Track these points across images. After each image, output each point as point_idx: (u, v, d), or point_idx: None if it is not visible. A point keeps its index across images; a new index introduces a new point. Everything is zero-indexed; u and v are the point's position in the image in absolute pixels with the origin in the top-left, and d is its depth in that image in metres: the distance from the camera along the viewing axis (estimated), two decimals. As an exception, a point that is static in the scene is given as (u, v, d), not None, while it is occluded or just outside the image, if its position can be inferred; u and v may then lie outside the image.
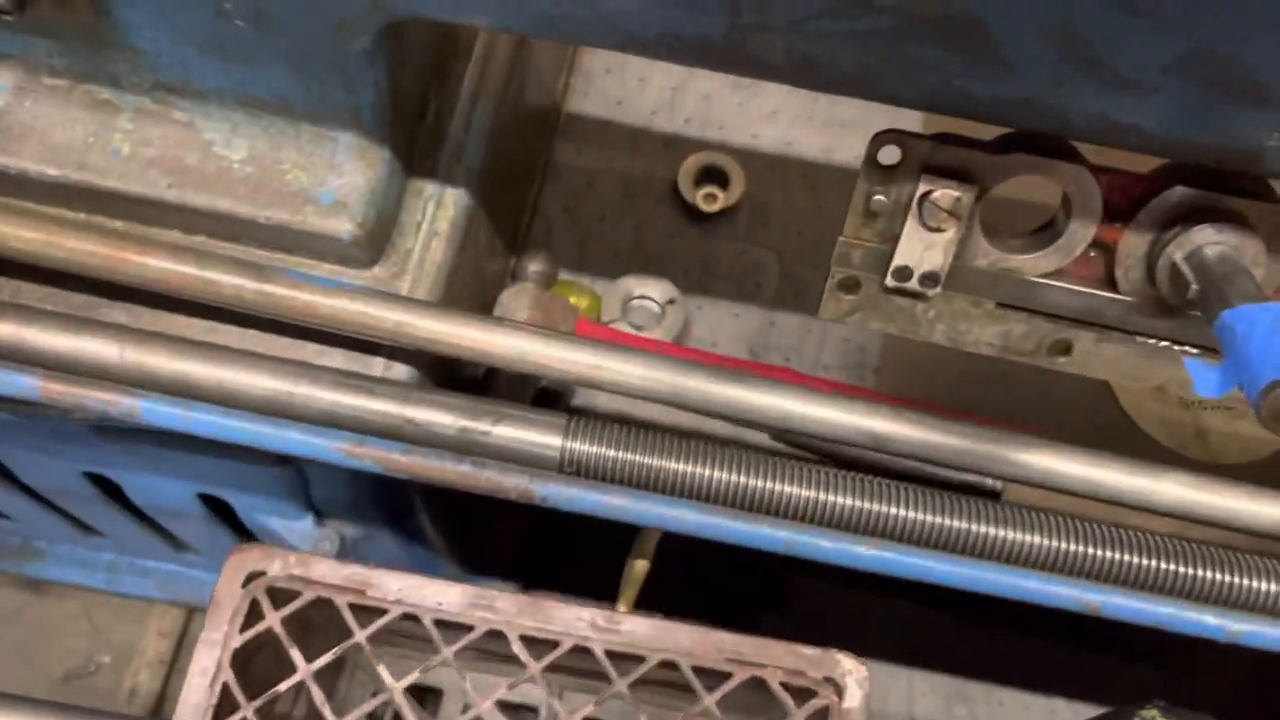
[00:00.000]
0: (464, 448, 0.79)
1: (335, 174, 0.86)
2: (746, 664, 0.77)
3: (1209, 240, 0.71)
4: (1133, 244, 0.75)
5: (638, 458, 0.79)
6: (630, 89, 1.24)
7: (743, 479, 0.80)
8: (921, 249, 0.75)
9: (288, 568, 0.84)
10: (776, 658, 0.78)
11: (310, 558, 0.85)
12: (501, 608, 0.83)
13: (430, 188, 0.93)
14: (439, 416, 0.79)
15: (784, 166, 1.21)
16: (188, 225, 0.88)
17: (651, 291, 1.13)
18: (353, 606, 0.82)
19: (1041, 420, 1.06)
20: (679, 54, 0.70)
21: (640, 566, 0.99)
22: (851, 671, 0.76)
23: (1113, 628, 0.81)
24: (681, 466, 0.79)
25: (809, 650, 0.78)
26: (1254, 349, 0.62)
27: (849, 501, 0.79)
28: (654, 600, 1.22)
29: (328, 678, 0.83)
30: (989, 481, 0.90)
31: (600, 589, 1.22)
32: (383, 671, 0.79)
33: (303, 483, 1.10)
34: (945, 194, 0.72)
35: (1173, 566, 0.79)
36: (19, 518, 1.38)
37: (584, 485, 0.78)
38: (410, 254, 0.91)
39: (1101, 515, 0.81)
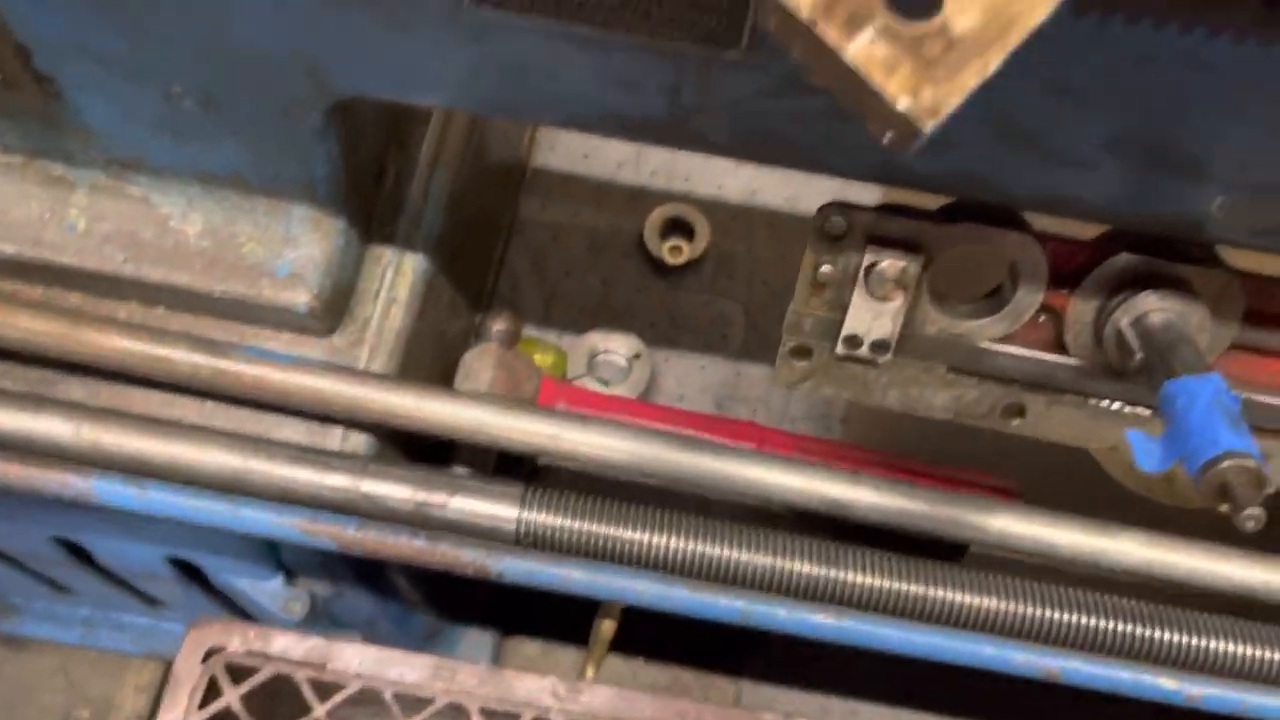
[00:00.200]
0: (420, 521, 0.79)
1: (291, 246, 0.86)
2: (707, 734, 0.77)
3: (1153, 307, 0.72)
4: (1080, 309, 0.75)
5: (594, 527, 0.79)
6: (595, 142, 1.25)
7: (701, 547, 0.80)
8: (870, 318, 0.76)
9: (247, 642, 0.84)
10: (737, 727, 0.78)
11: (271, 631, 0.85)
12: (462, 680, 0.82)
13: (389, 254, 0.94)
14: (394, 490, 0.79)
15: (749, 217, 1.22)
16: (145, 298, 0.88)
17: (617, 346, 1.13)
18: (312, 682, 0.82)
19: (1010, 463, 1.06)
20: (624, 132, 0.71)
21: (608, 627, 0.99)
22: (811, 741, 0.76)
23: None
24: (638, 535, 0.80)
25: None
26: (1193, 422, 0.62)
27: (807, 568, 0.79)
28: (636, 639, 1.21)
29: (288, 753, 0.83)
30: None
31: (577, 632, 1.22)
32: (341, 748, 0.78)
33: (271, 545, 1.10)
34: (892, 264, 0.73)
35: (1130, 628, 0.79)
36: (-9, 577, 1.38)
37: (541, 559, 0.78)
38: (369, 322, 0.91)
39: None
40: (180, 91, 0.75)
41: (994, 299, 0.77)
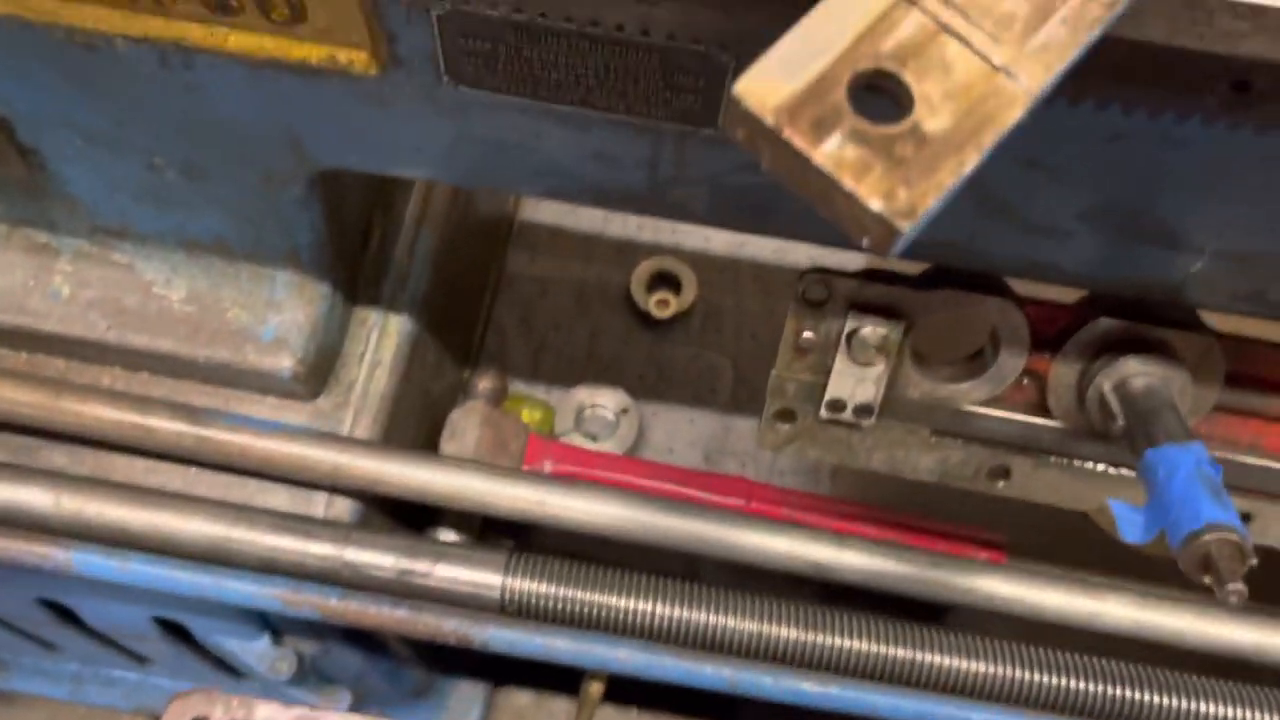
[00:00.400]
0: (404, 590, 0.79)
1: (275, 311, 0.86)
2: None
3: (1135, 371, 0.72)
4: (1062, 373, 0.75)
5: (580, 594, 0.79)
6: (582, 195, 1.25)
7: (688, 613, 0.79)
8: (853, 383, 0.76)
9: (230, 712, 0.83)
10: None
11: (254, 700, 0.84)
12: (447, 748, 0.82)
13: (374, 316, 0.94)
14: (378, 558, 0.79)
15: (736, 269, 1.22)
16: (129, 364, 0.88)
17: (605, 401, 1.13)
18: (295, 753, 0.81)
19: (1000, 511, 1.05)
20: (604, 203, 0.71)
21: (596, 689, 0.98)
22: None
23: None
24: (625, 602, 0.79)
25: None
26: (1174, 494, 0.62)
27: (794, 634, 0.78)
28: (629, 690, 1.20)
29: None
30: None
31: (569, 682, 1.21)
32: (324, 822, 0.77)
33: (258, 605, 1.09)
34: (873, 331, 0.73)
35: (1121, 692, 0.78)
36: (-23, 635, 1.37)
37: (525, 628, 0.77)
38: (354, 385, 0.91)
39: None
40: (162, 163, 0.75)
41: (977, 362, 0.77)
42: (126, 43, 0.64)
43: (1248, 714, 0.77)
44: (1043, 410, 0.78)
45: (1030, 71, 0.37)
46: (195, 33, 0.63)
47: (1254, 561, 0.59)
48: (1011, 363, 0.75)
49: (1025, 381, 0.77)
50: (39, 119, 0.74)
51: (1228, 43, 0.43)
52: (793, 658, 0.79)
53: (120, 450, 0.86)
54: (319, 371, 0.89)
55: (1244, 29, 0.43)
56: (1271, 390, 0.76)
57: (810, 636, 0.78)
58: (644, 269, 1.20)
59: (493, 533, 0.99)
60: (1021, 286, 0.75)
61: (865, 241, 0.37)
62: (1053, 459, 0.80)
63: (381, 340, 0.93)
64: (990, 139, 0.38)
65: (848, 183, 0.36)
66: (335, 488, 0.85)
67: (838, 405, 0.77)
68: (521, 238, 1.24)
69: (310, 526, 0.80)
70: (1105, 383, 0.73)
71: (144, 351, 0.86)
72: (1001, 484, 0.81)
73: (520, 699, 1.43)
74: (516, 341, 1.20)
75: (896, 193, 0.36)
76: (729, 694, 0.77)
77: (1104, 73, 0.52)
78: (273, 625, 1.16)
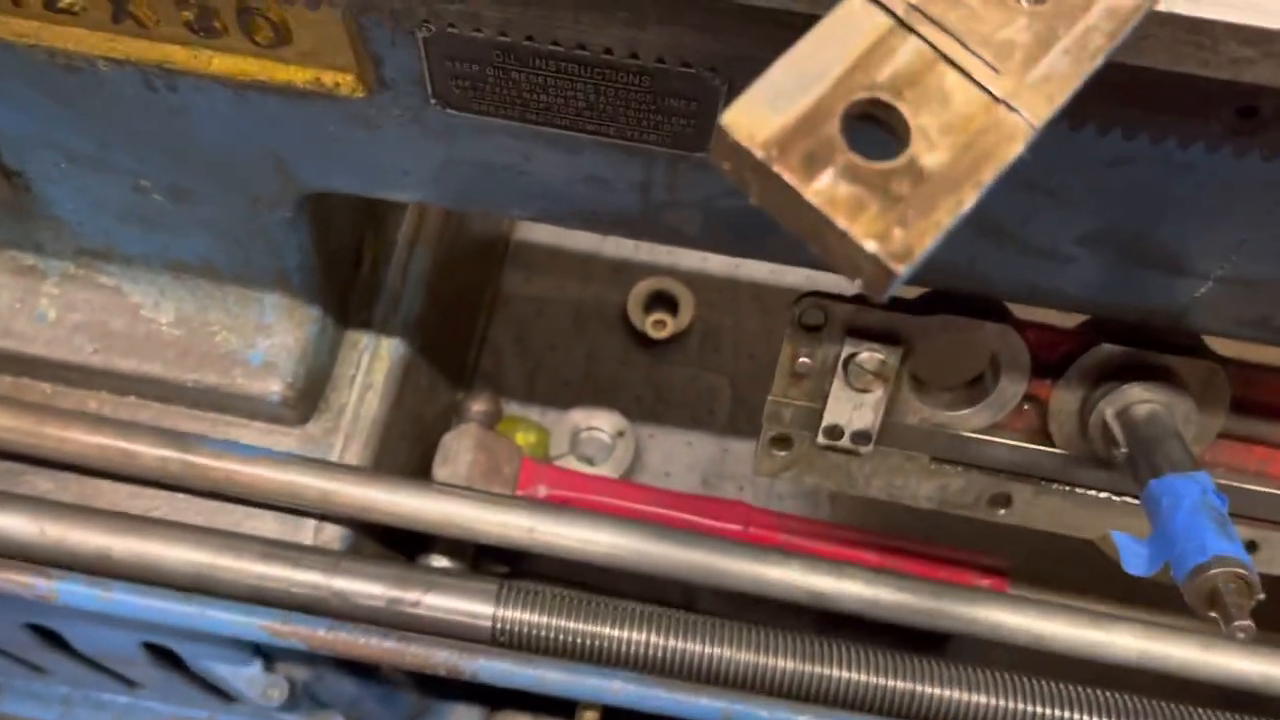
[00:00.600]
0: (393, 619, 0.77)
1: (264, 335, 0.85)
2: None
3: (1139, 398, 0.70)
4: (1064, 400, 0.73)
5: (572, 624, 0.77)
6: (579, 214, 1.24)
7: (681, 643, 0.78)
8: (851, 408, 0.74)
9: (216, 744, 0.81)
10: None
11: (241, 731, 0.82)
12: (436, 781, 0.80)
13: (366, 339, 0.92)
14: (367, 587, 0.78)
15: (733, 289, 1.21)
16: (116, 388, 0.87)
17: (601, 423, 1.12)
18: (282, 786, 0.79)
19: (1004, 535, 1.04)
20: (597, 226, 0.70)
21: (590, 717, 0.96)
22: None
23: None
24: (617, 632, 0.77)
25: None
26: (1179, 526, 0.60)
27: (790, 664, 0.77)
28: (626, 715, 1.18)
29: None
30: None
31: (565, 706, 1.19)
32: None
33: (248, 629, 1.07)
34: (870, 356, 0.71)
35: (1124, 724, 0.77)
36: (-34, 658, 1.35)
37: (516, 659, 0.76)
38: (344, 409, 0.89)
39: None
40: (148, 185, 0.74)
41: (977, 388, 0.76)
42: (109, 65, 0.63)
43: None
44: (1044, 437, 0.76)
45: (1032, 104, 0.36)
46: (179, 55, 0.61)
47: (1261, 596, 0.58)
48: (1012, 389, 0.74)
49: (1026, 408, 0.76)
50: (23, 140, 0.73)
51: (1234, 69, 0.42)
52: (789, 690, 0.77)
53: (105, 476, 0.85)
54: (309, 396, 0.87)
55: (1251, 55, 0.42)
56: (1278, 417, 0.74)
57: (807, 667, 0.76)
58: (641, 289, 1.18)
59: (487, 558, 0.98)
60: (1022, 311, 0.74)
61: (858, 282, 0.36)
62: (1055, 486, 0.78)
63: (373, 363, 0.92)
64: (989, 175, 0.36)
65: (841, 222, 0.35)
66: (325, 514, 0.84)
67: (835, 431, 0.76)
68: (517, 257, 1.23)
69: (298, 554, 0.79)
70: (1108, 409, 0.71)
71: (131, 375, 0.85)
72: (1003, 511, 0.80)
73: (516, 723, 1.41)
74: (511, 363, 1.18)
75: (892, 234, 0.35)
76: (725, 727, 0.75)
77: (1106, 98, 0.50)
78: (264, 651, 1.14)
